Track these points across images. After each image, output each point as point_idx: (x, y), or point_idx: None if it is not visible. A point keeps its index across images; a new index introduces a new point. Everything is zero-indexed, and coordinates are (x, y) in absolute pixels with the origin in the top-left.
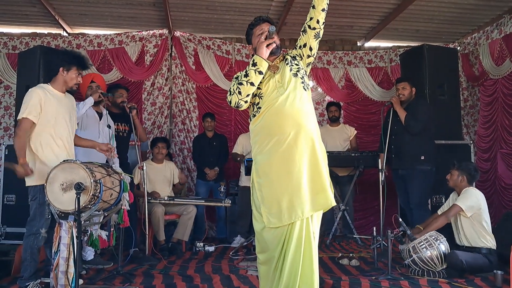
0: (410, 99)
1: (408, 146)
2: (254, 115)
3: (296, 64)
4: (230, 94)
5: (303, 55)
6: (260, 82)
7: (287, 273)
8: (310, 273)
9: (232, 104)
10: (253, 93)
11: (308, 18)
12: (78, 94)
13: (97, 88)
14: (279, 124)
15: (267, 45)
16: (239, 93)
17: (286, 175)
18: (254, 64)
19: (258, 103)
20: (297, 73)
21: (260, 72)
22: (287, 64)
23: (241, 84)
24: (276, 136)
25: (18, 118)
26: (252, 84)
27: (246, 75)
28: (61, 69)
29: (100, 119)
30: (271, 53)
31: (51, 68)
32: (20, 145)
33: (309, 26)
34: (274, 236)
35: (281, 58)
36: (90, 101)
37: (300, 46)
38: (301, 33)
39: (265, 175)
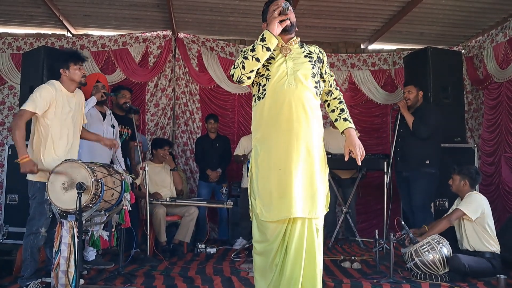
0: (417, 103)
1: (414, 150)
2: (259, 97)
3: (319, 68)
4: (234, 67)
5: (322, 80)
6: (270, 63)
7: (290, 268)
8: (313, 269)
9: (234, 78)
10: (260, 73)
11: (325, 94)
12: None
13: (102, 87)
14: (283, 118)
15: (280, 22)
16: (243, 67)
17: (281, 173)
18: (263, 39)
19: (264, 84)
20: (315, 75)
21: (268, 49)
22: (310, 61)
23: (246, 58)
24: (279, 131)
25: (20, 108)
26: (257, 60)
27: (253, 50)
28: (61, 70)
29: (104, 119)
30: (285, 30)
31: (55, 69)
32: (19, 136)
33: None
34: (273, 228)
35: (298, 43)
36: (92, 101)
37: (328, 81)
38: (328, 89)
39: (263, 168)
